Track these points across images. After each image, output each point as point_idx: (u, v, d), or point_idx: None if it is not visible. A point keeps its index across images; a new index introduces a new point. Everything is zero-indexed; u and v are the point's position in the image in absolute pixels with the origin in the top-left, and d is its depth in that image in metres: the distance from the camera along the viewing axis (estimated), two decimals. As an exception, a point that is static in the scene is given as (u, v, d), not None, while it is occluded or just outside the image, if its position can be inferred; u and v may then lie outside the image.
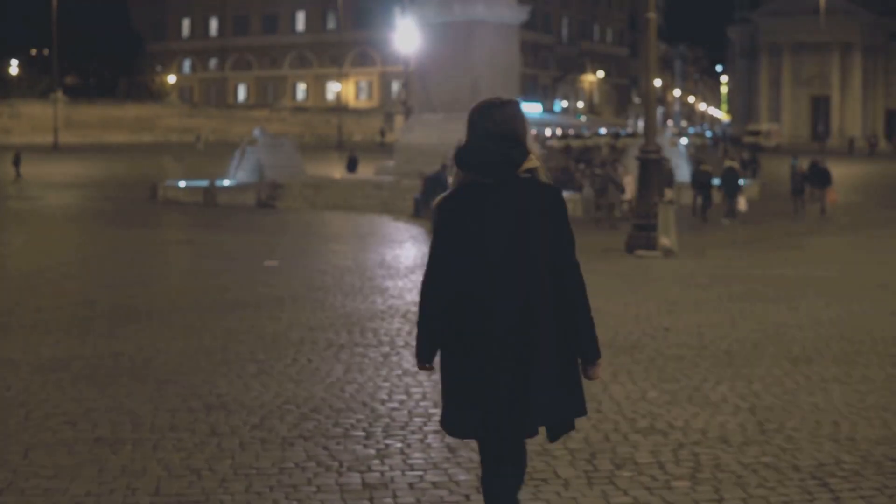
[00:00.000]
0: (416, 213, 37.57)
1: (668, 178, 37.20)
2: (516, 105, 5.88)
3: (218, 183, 48.69)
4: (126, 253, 26.12)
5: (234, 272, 21.89)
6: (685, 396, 10.77)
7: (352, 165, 61.18)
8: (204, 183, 47.89)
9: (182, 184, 50.45)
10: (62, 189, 51.44)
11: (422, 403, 10.38)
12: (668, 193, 32.88)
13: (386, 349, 13.20)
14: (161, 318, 15.62)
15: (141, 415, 9.84)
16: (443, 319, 5.75)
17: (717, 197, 40.36)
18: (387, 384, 11.23)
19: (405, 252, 26.02)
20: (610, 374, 11.63)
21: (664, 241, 25.51)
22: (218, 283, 20.00)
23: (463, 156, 5.77)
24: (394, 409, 10.12)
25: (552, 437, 5.97)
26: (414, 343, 6.29)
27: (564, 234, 5.77)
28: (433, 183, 33.60)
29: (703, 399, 10.67)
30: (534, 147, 6.38)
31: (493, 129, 5.75)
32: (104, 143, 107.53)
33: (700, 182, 40.22)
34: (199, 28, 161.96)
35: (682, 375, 11.75)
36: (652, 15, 27.75)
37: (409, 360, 12.47)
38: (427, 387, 10.96)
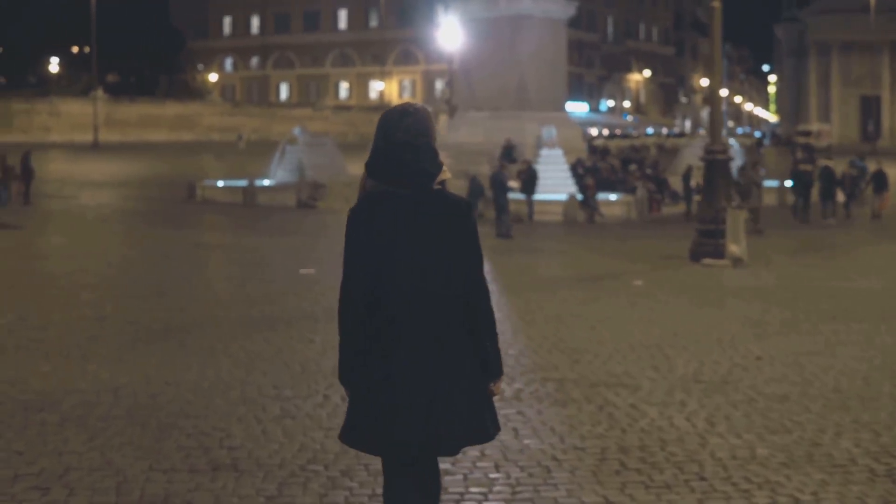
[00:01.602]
0: (462, 216, 35.55)
1: (749, 184, 35.31)
2: (427, 112, 5.67)
3: (257, 182, 47.10)
4: (152, 258, 24.33)
5: (266, 281, 20.04)
6: (803, 455, 8.76)
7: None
8: (243, 182, 46.28)
9: (220, 183, 48.96)
10: (98, 188, 49.80)
11: (480, 465, 8.43)
12: (737, 197, 30.78)
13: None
14: (177, 339, 13.74)
15: (130, 478, 7.93)
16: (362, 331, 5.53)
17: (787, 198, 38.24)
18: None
19: (451, 259, 24.07)
20: (705, 421, 9.67)
21: (733, 248, 23.43)
22: (246, 295, 18.14)
23: (377, 164, 5.56)
24: (446, 471, 8.19)
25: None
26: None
27: (474, 250, 5.58)
28: (492, 182, 31.61)
29: (826, 459, 8.66)
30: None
31: (408, 138, 5.53)
32: (144, 141, 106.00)
33: (802, 183, 38.50)
34: (241, 26, 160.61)
35: (793, 423, 9.72)
36: (717, 3, 25.61)
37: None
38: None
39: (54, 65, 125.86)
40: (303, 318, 15.53)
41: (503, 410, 9.96)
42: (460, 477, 8.15)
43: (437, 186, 5.54)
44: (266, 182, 50.15)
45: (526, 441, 9.07)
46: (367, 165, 5.56)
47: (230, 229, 33.14)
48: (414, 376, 5.41)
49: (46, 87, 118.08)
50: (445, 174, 5.57)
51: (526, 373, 11.77)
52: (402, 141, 5.51)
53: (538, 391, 10.87)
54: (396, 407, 5.40)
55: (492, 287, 17.45)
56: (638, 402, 10.46)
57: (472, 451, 8.69)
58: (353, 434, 5.57)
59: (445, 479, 8.06)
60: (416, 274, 5.46)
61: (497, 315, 14.49)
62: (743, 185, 35.52)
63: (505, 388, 10.98)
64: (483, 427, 5.62)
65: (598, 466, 8.41)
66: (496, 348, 5.78)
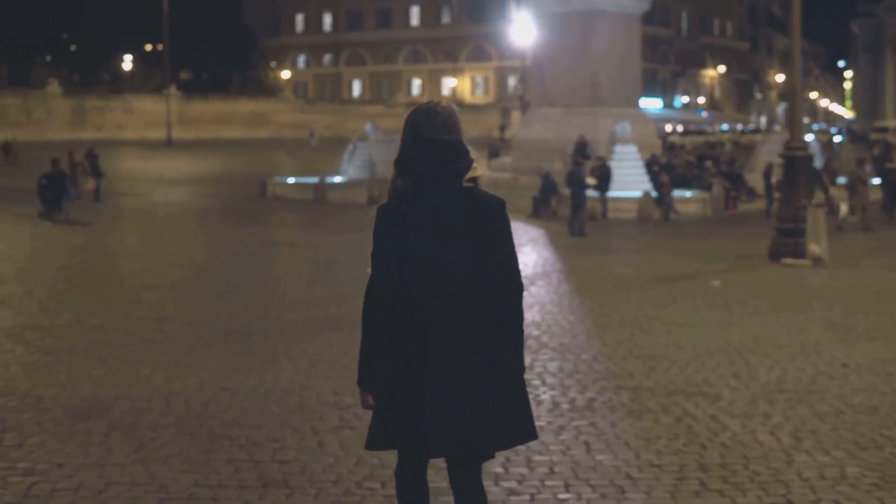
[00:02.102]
0: (535, 213, 35.18)
1: (856, 181, 34.51)
2: (454, 111, 5.59)
3: (328, 179, 46.70)
4: (220, 256, 23.98)
5: (334, 280, 19.57)
6: (898, 474, 8.12)
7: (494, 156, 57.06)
8: (314, 179, 45.95)
9: (291, 180, 48.67)
10: (171, 185, 49.63)
11: (548, 484, 7.85)
12: (819, 195, 29.94)
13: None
14: (239, 341, 13.28)
15: (174, 494, 7.45)
16: (386, 335, 5.44)
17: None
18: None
19: (524, 258, 23.47)
20: (790, 436, 9.03)
21: (814, 248, 22.61)
22: (313, 295, 17.68)
23: (405, 162, 5.44)
24: (511, 490, 7.60)
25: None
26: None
27: (504, 248, 5.48)
28: (570, 180, 30.92)
29: (924, 478, 8.01)
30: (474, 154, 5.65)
31: (436, 136, 5.43)
32: (217, 138, 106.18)
33: (889, 181, 37.47)
34: (313, 23, 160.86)
35: (884, 439, 9.05)
36: (797, -4, 24.74)
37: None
38: (554, 453, 8.44)
39: (128, 62, 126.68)
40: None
41: (575, 422, 9.41)
42: (527, 497, 7.58)
43: (467, 184, 5.45)
44: (337, 179, 49.82)
45: (599, 457, 8.48)
46: (396, 163, 5.45)
47: (300, 227, 32.76)
48: (440, 379, 5.33)
49: (120, 84, 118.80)
50: (476, 171, 5.48)
51: (599, 380, 11.18)
52: (430, 139, 5.41)
53: (612, 400, 10.28)
54: (423, 410, 5.31)
55: (565, 288, 16.96)
56: (718, 413, 9.83)
57: (541, 469, 8.13)
58: (379, 438, 5.50)
59: (511, 500, 7.51)
60: (443, 272, 5.37)
61: (570, 318, 13.94)
62: (850, 182, 34.73)
63: (577, 396, 10.40)
64: (519, 427, 5.54)
65: (677, 486, 7.80)
66: (521, 350, 5.64)
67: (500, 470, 8.06)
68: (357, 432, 9.01)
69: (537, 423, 8.97)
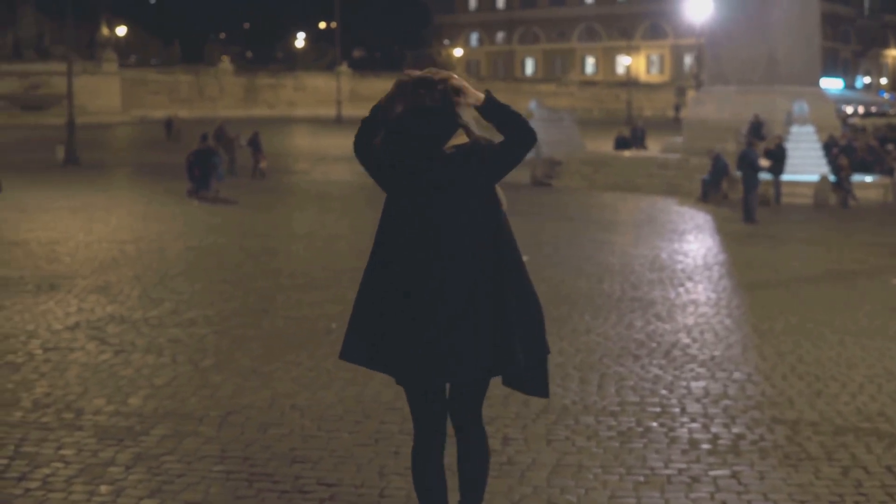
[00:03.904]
0: (704, 197, 33.05)
1: None
2: (445, 83, 5.42)
3: (491, 160, 45.05)
4: (354, 238, 22.29)
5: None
6: None
7: (623, 143, 54.67)
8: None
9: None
10: (333, 162, 48.41)
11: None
12: None
13: (629, 424, 8.73)
14: (333, 344, 11.55)
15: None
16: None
17: None
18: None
19: (686, 247, 21.42)
20: None
21: None
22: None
23: (389, 130, 5.43)
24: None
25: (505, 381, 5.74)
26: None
27: (490, 183, 5.48)
28: (742, 162, 28.67)
29: None
30: (469, 121, 5.40)
31: (420, 105, 5.39)
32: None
33: None
34: (487, 0, 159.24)
35: None
36: None
37: (659, 456, 8.00)
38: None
39: (300, 40, 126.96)
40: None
41: (714, 471, 7.46)
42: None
43: (450, 150, 5.43)
44: (500, 159, 48.21)
45: (739, 526, 6.55)
46: (385, 132, 5.48)
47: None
48: (432, 314, 5.34)
49: (293, 62, 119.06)
50: (461, 137, 5.44)
51: (751, 409, 9.13)
52: (414, 107, 5.40)
53: (763, 440, 8.25)
54: (412, 340, 5.37)
55: (725, 284, 14.71)
56: (898, 461, 7.79)
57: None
58: (352, 350, 5.67)
59: None
60: (438, 234, 5.39)
61: (726, 322, 11.90)
62: None
63: (721, 432, 8.42)
64: (502, 351, 5.40)
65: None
66: (518, 274, 5.52)
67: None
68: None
69: (665, 471, 7.13)
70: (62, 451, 7.73)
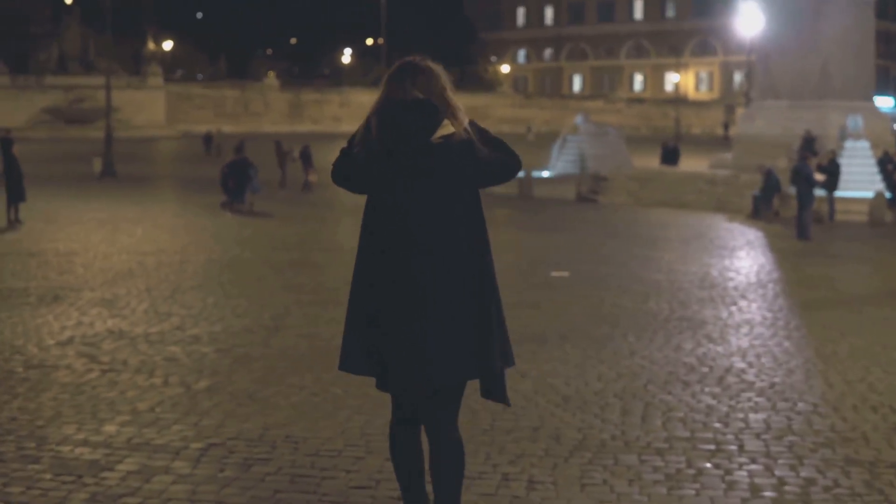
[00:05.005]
0: (755, 214, 31.75)
1: None
2: (433, 71, 5.50)
3: (535, 174, 43.99)
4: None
5: (504, 284, 16.51)
6: None
7: (670, 157, 53.32)
8: (520, 174, 43.16)
9: (496, 174, 46.18)
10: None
11: None
12: None
13: (679, 465, 7.48)
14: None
15: None
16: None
17: None
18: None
19: (737, 264, 20.12)
20: None
21: None
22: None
23: (376, 123, 5.44)
24: None
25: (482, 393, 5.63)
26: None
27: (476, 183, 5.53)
28: (796, 177, 27.36)
29: None
30: (457, 110, 5.44)
31: (407, 96, 5.42)
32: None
33: None
34: (534, 17, 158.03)
35: None
36: None
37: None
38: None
39: (347, 56, 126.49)
40: (527, 339, 11.92)
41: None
42: None
43: (438, 141, 5.44)
44: (545, 174, 47.27)
45: None
46: (368, 123, 5.47)
47: (500, 223, 29.75)
48: (414, 315, 5.31)
49: (339, 77, 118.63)
50: (447, 128, 5.44)
51: (821, 447, 7.84)
52: (401, 100, 5.43)
53: (838, 486, 6.95)
54: (394, 347, 5.37)
55: (781, 304, 13.34)
56: None
57: None
58: (350, 360, 5.56)
59: None
60: (422, 227, 5.36)
61: (785, 344, 10.56)
62: None
63: (787, 476, 7.16)
64: (482, 356, 5.40)
65: None
66: (488, 281, 5.50)
67: None
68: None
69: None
70: (8, 489, 6.58)
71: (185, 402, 8.83)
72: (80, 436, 7.81)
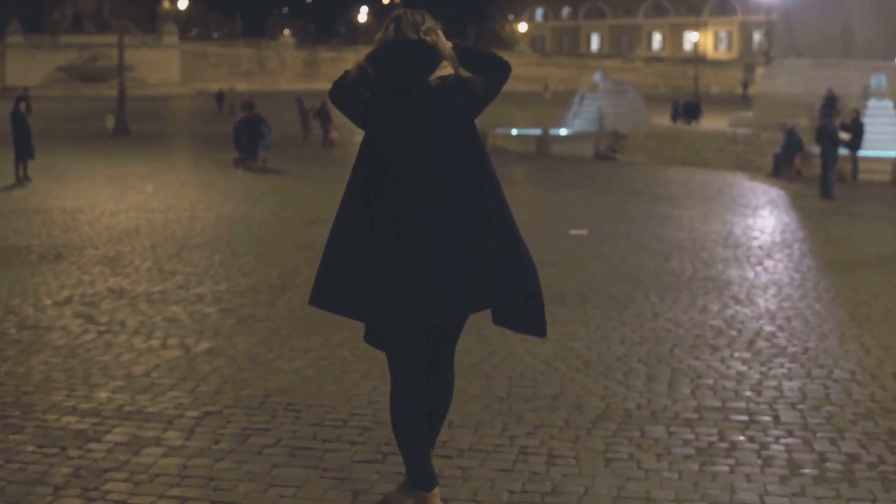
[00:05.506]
0: (776, 173, 31.05)
1: None
2: (426, 16, 5.48)
3: (552, 132, 43.35)
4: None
5: (546, 247, 15.86)
6: None
7: (691, 113, 52.44)
8: (537, 132, 42.58)
9: (514, 132, 45.62)
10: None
11: None
12: None
13: (710, 438, 6.95)
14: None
15: None
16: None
17: None
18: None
19: (759, 223, 19.54)
20: None
21: None
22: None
23: (376, 62, 5.42)
24: None
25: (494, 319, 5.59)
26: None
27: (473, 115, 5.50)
28: (821, 135, 26.74)
29: None
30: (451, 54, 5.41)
31: (406, 39, 5.40)
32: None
33: None
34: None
35: None
36: None
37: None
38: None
39: (363, 14, 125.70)
40: (548, 299, 11.39)
41: (800, 500, 5.66)
42: None
43: (436, 82, 5.39)
44: (562, 131, 46.63)
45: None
46: (368, 61, 5.43)
47: (517, 181, 29.19)
48: (412, 248, 5.26)
49: (355, 36, 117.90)
50: (446, 69, 5.40)
51: (861, 419, 7.27)
52: (400, 42, 5.42)
53: (883, 461, 6.41)
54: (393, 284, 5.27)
55: (809, 263, 12.54)
56: None
57: None
58: (325, 297, 5.49)
59: None
60: (421, 166, 5.33)
61: (816, 307, 9.82)
62: None
63: (827, 450, 6.61)
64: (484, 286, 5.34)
65: None
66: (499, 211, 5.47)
67: None
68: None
69: (760, 495, 5.41)
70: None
71: (182, 366, 8.34)
72: (69, 403, 7.32)
